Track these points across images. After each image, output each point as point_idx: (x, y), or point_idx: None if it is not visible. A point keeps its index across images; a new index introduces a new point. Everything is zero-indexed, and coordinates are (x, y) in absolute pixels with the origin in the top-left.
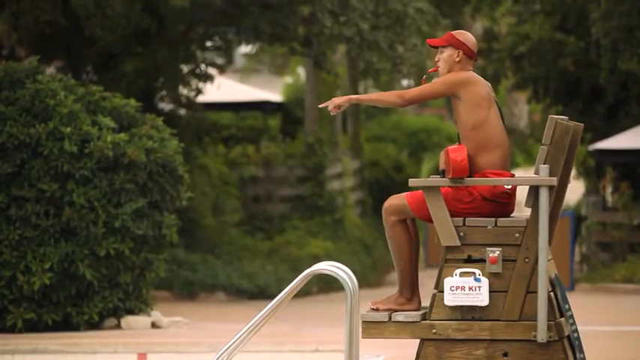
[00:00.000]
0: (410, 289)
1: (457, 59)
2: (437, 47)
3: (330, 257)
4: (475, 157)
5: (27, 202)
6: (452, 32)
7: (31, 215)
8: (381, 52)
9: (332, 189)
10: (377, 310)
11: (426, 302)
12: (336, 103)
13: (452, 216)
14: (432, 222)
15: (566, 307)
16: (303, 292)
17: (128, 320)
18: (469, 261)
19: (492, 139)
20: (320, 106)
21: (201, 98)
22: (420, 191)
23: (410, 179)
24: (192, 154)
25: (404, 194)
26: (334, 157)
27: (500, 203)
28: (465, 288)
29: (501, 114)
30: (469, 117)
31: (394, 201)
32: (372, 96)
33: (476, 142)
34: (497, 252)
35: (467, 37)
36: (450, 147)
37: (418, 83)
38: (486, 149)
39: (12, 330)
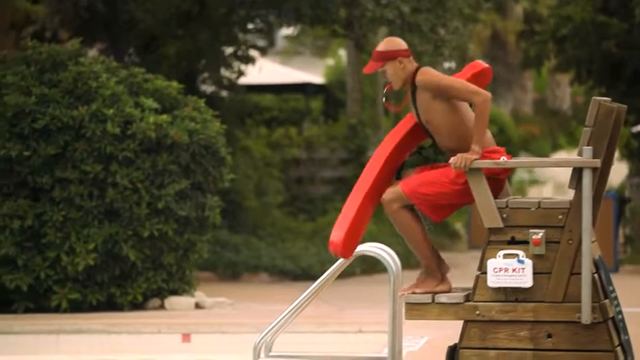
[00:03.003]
0: (438, 269)
1: (401, 67)
2: (377, 71)
3: (373, 239)
4: (467, 142)
5: (71, 184)
6: (377, 49)
7: (75, 197)
8: (422, 35)
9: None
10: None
11: (469, 284)
12: (463, 166)
13: (449, 198)
14: (424, 204)
15: (610, 288)
16: (346, 274)
17: (171, 301)
18: (512, 243)
19: (471, 122)
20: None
21: (242, 80)
22: (412, 176)
23: (451, 159)
24: (235, 136)
25: (397, 184)
26: (376, 139)
27: (497, 179)
28: (509, 269)
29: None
30: (451, 110)
31: (390, 190)
32: (479, 127)
33: (458, 136)
34: (541, 234)
35: (392, 42)
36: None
37: (460, 66)
38: (469, 138)
39: (56, 310)
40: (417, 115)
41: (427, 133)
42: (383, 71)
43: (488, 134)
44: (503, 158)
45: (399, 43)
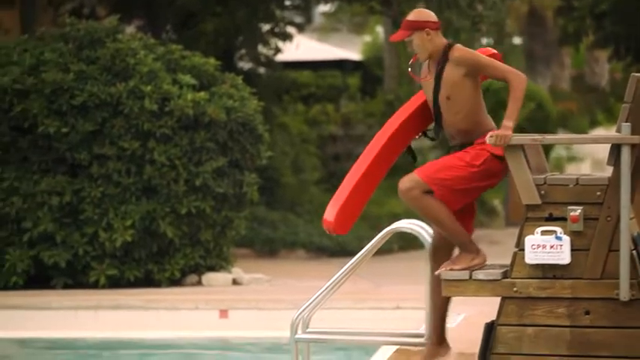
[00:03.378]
0: (471, 243)
1: (429, 38)
2: (404, 40)
3: (410, 215)
4: (475, 131)
5: (108, 160)
6: (407, 19)
7: (113, 173)
8: (460, 11)
9: (411, 147)
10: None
11: (506, 260)
12: (502, 142)
13: (467, 182)
14: (442, 190)
15: None
16: (383, 250)
17: (209, 277)
18: (550, 219)
19: (485, 110)
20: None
21: (280, 57)
22: (427, 163)
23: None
24: (272, 113)
25: (413, 172)
26: None
27: (503, 163)
28: (547, 246)
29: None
30: (475, 92)
31: (406, 179)
32: (513, 106)
33: (474, 118)
34: (579, 210)
35: (422, 13)
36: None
37: (498, 42)
38: (484, 119)
39: (94, 286)
40: (436, 91)
41: (435, 114)
42: (410, 41)
43: (492, 122)
44: None
45: (428, 15)
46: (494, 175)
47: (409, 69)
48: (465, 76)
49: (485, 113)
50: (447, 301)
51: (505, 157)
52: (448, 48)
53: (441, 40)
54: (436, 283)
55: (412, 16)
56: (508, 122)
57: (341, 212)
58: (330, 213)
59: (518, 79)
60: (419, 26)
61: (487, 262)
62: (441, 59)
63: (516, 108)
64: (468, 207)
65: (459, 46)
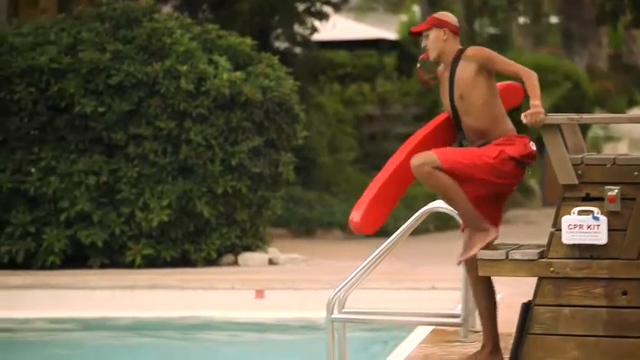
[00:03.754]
0: (482, 221)
1: (444, 38)
2: (421, 33)
3: None
4: (489, 134)
5: (145, 140)
6: (432, 15)
7: (149, 153)
8: None
9: None
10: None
11: (543, 241)
12: (536, 120)
13: (480, 172)
14: (454, 173)
15: None
16: (419, 230)
17: (245, 257)
18: (587, 199)
19: (501, 110)
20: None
21: (316, 36)
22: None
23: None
24: (308, 93)
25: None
26: None
27: (523, 164)
28: (584, 226)
29: None
30: (489, 90)
31: (418, 155)
32: (534, 90)
33: (488, 120)
34: (616, 190)
35: (448, 15)
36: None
37: (534, 22)
38: (498, 122)
39: (131, 266)
40: (451, 93)
41: (454, 118)
42: (426, 35)
43: (510, 124)
44: (532, 143)
45: (452, 18)
46: (510, 176)
47: (418, 64)
48: (477, 73)
49: (503, 115)
50: (493, 301)
51: (543, 138)
52: (461, 52)
53: (455, 45)
54: (474, 283)
55: (437, 14)
56: (535, 101)
57: (368, 212)
58: (355, 215)
59: (529, 73)
60: (439, 23)
61: (524, 243)
62: (454, 60)
63: (536, 91)
64: (494, 211)
65: (473, 47)
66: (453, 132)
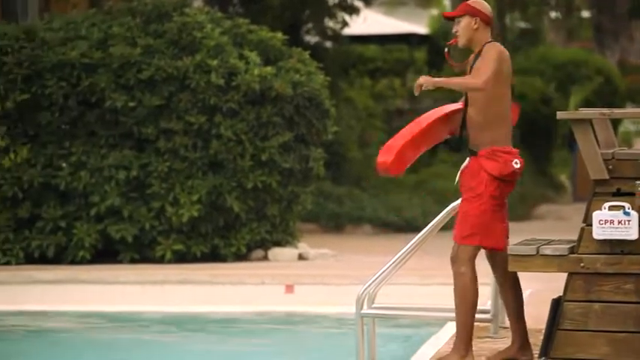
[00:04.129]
0: (469, 341)
1: (475, 27)
2: (453, 19)
3: None
4: (483, 132)
5: (175, 135)
6: (467, 2)
7: (180, 147)
8: None
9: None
10: None
11: (573, 236)
12: (418, 82)
13: (484, 214)
14: (475, 233)
15: None
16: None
17: (275, 252)
18: (618, 194)
19: (501, 114)
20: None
21: (346, 31)
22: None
23: (558, 112)
24: (338, 87)
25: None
26: None
27: (507, 182)
28: (614, 222)
29: (512, 90)
30: (494, 90)
31: (456, 255)
32: (454, 80)
33: (486, 116)
34: None
35: (482, 4)
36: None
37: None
38: (494, 125)
39: (161, 261)
40: None
41: (464, 112)
42: (458, 21)
43: (504, 136)
44: (516, 161)
45: (485, 7)
46: (499, 196)
47: (446, 49)
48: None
49: (501, 121)
50: (520, 297)
51: (574, 133)
52: (487, 44)
53: (484, 35)
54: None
55: (473, 2)
56: (437, 79)
57: (399, 155)
58: (386, 156)
59: (476, 81)
60: (472, 11)
61: (555, 238)
62: (479, 51)
63: (452, 82)
64: (500, 222)
65: (496, 43)
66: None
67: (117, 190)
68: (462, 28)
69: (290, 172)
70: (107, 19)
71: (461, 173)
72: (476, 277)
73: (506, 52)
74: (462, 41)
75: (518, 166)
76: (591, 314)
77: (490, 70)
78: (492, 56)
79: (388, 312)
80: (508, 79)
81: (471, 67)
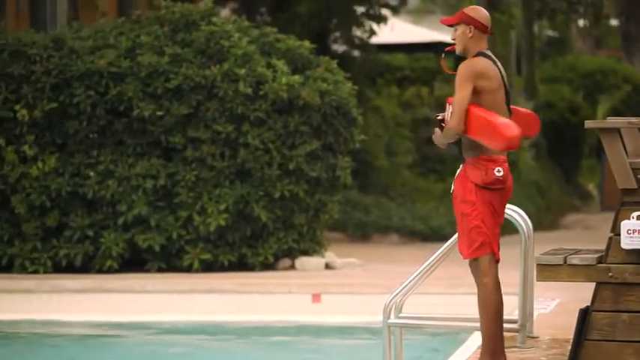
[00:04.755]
0: (501, 353)
1: (470, 35)
2: (451, 26)
3: None
4: (471, 140)
5: (202, 144)
6: (463, 9)
7: (207, 156)
8: None
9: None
10: None
11: (601, 246)
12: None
13: (480, 218)
14: (488, 241)
15: None
16: None
17: (302, 261)
18: None
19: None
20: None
21: (374, 39)
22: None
23: (586, 121)
24: (366, 96)
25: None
26: None
27: (494, 190)
28: None
29: (507, 96)
30: (475, 102)
31: (479, 273)
32: (444, 131)
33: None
34: None
35: (478, 12)
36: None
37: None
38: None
39: (188, 270)
40: None
41: None
42: (455, 29)
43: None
44: (499, 169)
45: (481, 15)
46: (491, 204)
47: (442, 55)
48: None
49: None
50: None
51: (602, 142)
52: (480, 53)
53: (478, 44)
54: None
55: (469, 9)
56: (437, 134)
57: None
58: (515, 128)
59: (451, 124)
60: (466, 19)
61: (582, 248)
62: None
63: (444, 133)
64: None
65: (475, 59)
66: None
67: (144, 199)
68: (458, 36)
69: (317, 180)
70: (135, 27)
71: (454, 182)
72: (499, 286)
73: (485, 63)
74: (458, 49)
75: (500, 174)
76: (619, 324)
77: (458, 107)
78: (461, 82)
79: (415, 321)
80: (494, 89)
81: None
